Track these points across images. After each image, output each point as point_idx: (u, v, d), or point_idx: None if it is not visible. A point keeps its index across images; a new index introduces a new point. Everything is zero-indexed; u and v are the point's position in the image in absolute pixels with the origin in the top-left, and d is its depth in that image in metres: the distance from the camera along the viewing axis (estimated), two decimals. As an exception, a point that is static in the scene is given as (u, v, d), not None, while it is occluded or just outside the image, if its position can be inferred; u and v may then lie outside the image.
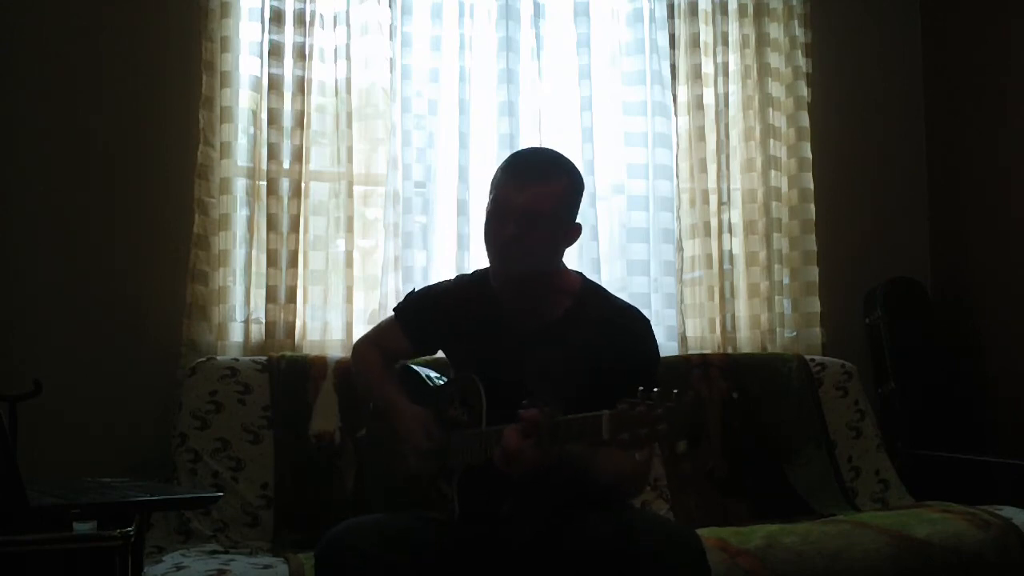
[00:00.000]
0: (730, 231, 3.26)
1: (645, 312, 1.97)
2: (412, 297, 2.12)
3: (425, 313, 2.05)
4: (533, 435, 1.58)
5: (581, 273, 1.99)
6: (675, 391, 1.41)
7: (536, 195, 1.79)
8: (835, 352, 3.20)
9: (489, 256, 1.87)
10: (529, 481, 1.69)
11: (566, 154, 1.92)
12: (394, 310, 2.13)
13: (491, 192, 1.86)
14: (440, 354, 2.14)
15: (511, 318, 1.90)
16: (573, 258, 3.09)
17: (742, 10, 3.33)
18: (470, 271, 2.11)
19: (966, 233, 3.47)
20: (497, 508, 1.75)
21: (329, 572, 1.63)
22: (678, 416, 1.39)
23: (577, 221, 1.89)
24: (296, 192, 2.90)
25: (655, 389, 1.42)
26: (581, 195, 1.90)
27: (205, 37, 2.87)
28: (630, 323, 1.89)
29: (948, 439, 3.19)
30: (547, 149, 1.99)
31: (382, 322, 2.21)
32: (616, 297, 1.98)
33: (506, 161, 1.90)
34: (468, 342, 1.95)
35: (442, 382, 2.02)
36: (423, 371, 2.07)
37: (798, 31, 3.38)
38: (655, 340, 1.92)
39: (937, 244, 3.57)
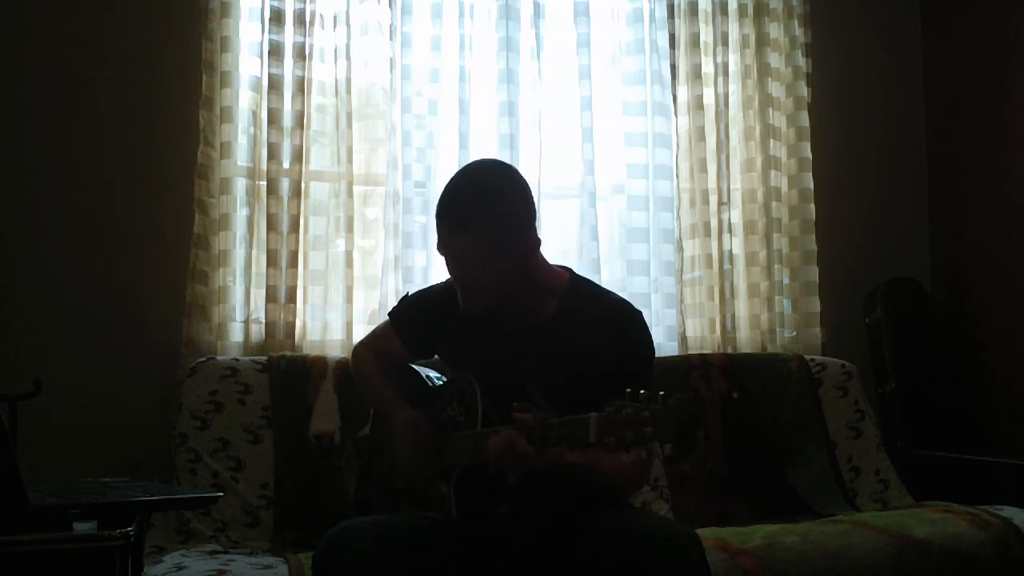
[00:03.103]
0: (730, 231, 3.25)
1: (645, 312, 1.95)
2: (406, 301, 2.12)
3: (419, 317, 2.05)
4: (524, 438, 1.58)
5: (569, 268, 1.95)
6: (661, 393, 1.40)
7: (462, 245, 1.78)
8: (835, 352, 3.20)
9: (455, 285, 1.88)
10: (526, 482, 1.69)
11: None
12: (389, 314, 2.13)
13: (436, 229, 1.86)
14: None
15: (503, 320, 1.88)
16: (573, 258, 3.10)
17: (742, 10, 3.33)
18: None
19: (966, 233, 3.47)
20: (495, 509, 1.75)
21: (327, 574, 1.63)
22: (664, 419, 1.38)
23: (538, 234, 1.85)
24: (296, 192, 2.90)
25: (642, 391, 1.41)
26: (521, 214, 1.81)
27: (205, 37, 2.87)
28: (623, 320, 1.86)
29: (948, 439, 3.19)
30: (474, 178, 1.85)
31: (378, 326, 2.21)
32: (608, 292, 1.95)
33: (439, 201, 1.84)
34: (462, 344, 1.95)
35: (441, 383, 2.02)
36: (424, 371, 2.07)
37: (798, 31, 3.38)
38: (649, 336, 1.90)
39: (937, 244, 3.57)
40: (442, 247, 1.84)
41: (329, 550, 1.63)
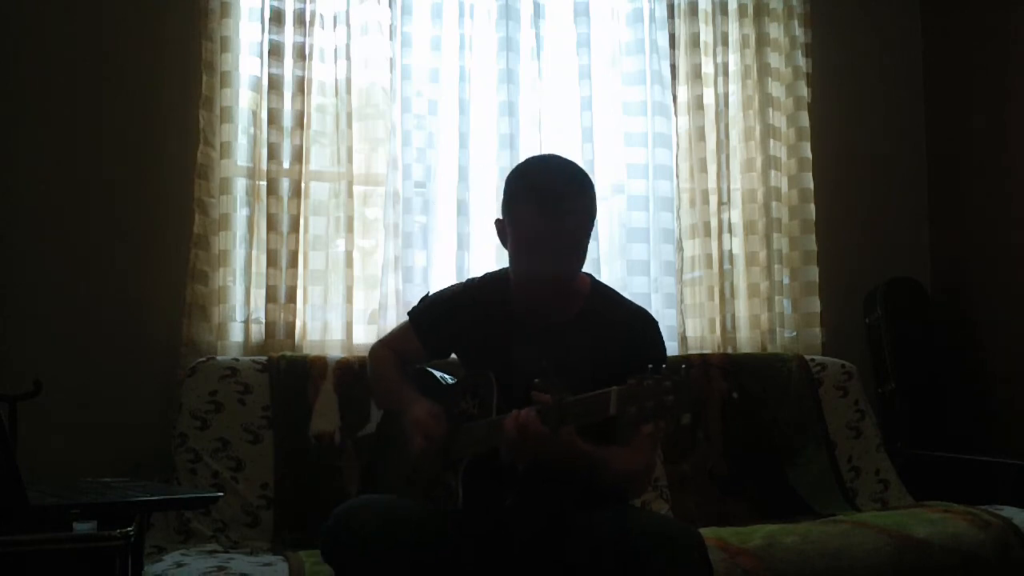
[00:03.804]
0: (730, 231, 3.26)
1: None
2: (425, 302, 2.14)
3: (438, 318, 2.06)
4: (539, 419, 1.61)
5: (590, 274, 2.00)
6: (683, 365, 1.46)
7: (576, 229, 1.79)
8: (835, 352, 3.20)
9: (528, 276, 1.84)
10: (534, 473, 1.70)
11: (572, 155, 1.89)
12: (408, 314, 2.14)
13: (520, 217, 1.80)
14: (454, 357, 2.13)
15: (523, 319, 1.91)
16: (573, 258, 3.09)
17: (742, 10, 3.33)
18: (471, 272, 2.12)
19: (966, 233, 3.47)
20: (501, 500, 1.76)
21: (333, 550, 1.66)
22: (685, 388, 1.43)
23: None
24: (296, 192, 2.90)
25: (664, 365, 1.46)
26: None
27: (205, 37, 2.87)
28: (639, 326, 1.91)
29: (948, 439, 3.19)
30: (562, 169, 1.85)
31: (397, 327, 2.23)
32: (626, 299, 1.99)
33: (529, 187, 1.80)
34: (480, 343, 1.97)
35: (456, 381, 2.03)
36: (438, 373, 2.09)
37: (798, 31, 3.38)
38: (662, 342, 1.94)
39: (937, 244, 3.57)
40: (548, 233, 1.76)
41: (332, 535, 1.67)
